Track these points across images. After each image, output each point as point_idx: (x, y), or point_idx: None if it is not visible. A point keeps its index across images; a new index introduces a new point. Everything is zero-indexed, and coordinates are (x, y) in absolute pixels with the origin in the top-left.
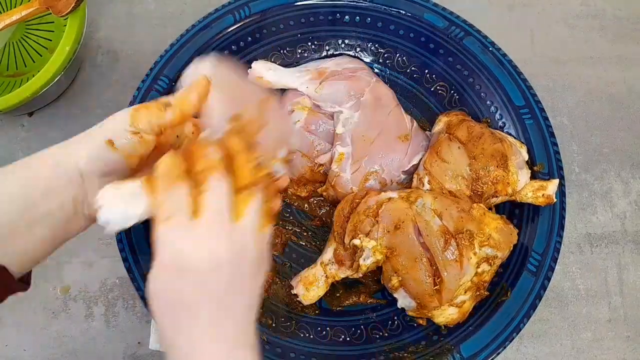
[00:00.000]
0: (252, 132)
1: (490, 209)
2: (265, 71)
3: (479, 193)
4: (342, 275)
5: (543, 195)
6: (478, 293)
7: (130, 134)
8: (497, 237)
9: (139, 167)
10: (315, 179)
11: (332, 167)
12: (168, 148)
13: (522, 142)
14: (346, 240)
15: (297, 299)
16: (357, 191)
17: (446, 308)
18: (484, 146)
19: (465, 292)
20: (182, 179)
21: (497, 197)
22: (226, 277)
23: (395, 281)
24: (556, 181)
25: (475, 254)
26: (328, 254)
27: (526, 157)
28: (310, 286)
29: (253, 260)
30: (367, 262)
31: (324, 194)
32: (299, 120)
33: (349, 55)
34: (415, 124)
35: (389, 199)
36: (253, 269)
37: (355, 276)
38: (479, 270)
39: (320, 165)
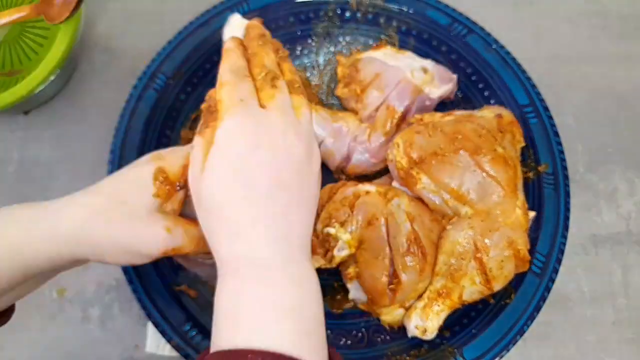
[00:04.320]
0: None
1: None
2: None
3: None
4: (316, 265)
5: None
6: None
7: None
8: None
9: None
10: None
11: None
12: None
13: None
14: (318, 227)
15: None
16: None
17: (395, 308)
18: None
19: (417, 298)
20: (248, 75)
21: None
22: (298, 169)
23: (352, 270)
24: None
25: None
26: None
27: None
28: None
29: (317, 159)
30: (341, 253)
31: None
32: None
33: None
34: None
35: (367, 192)
36: (316, 170)
37: (328, 267)
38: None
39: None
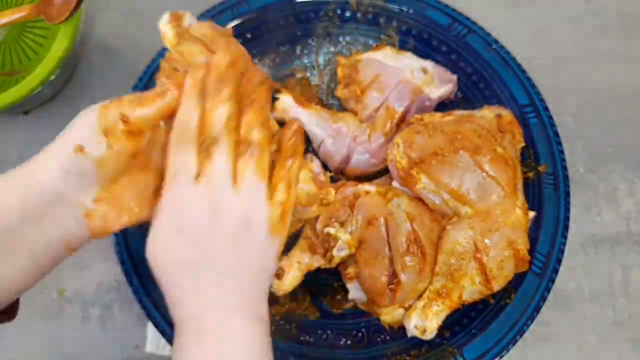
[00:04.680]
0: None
1: None
2: None
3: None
4: (316, 265)
5: None
6: None
7: (100, 136)
8: None
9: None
10: None
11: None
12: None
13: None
14: (318, 227)
15: (271, 289)
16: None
17: (395, 308)
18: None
19: (417, 298)
20: (194, 139)
21: None
22: (231, 240)
23: (351, 270)
24: None
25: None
26: (302, 243)
27: None
28: (284, 276)
29: (260, 223)
30: (341, 253)
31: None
32: None
33: None
34: None
35: (367, 192)
36: (260, 234)
37: (328, 266)
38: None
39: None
